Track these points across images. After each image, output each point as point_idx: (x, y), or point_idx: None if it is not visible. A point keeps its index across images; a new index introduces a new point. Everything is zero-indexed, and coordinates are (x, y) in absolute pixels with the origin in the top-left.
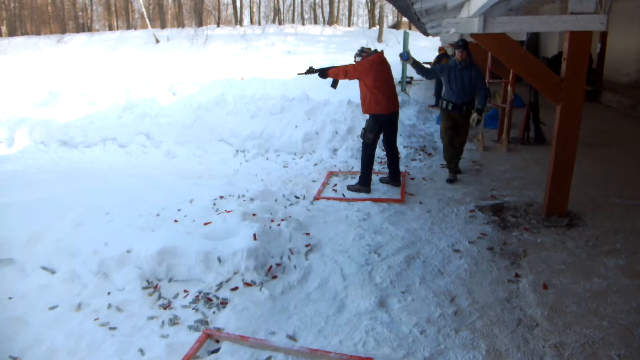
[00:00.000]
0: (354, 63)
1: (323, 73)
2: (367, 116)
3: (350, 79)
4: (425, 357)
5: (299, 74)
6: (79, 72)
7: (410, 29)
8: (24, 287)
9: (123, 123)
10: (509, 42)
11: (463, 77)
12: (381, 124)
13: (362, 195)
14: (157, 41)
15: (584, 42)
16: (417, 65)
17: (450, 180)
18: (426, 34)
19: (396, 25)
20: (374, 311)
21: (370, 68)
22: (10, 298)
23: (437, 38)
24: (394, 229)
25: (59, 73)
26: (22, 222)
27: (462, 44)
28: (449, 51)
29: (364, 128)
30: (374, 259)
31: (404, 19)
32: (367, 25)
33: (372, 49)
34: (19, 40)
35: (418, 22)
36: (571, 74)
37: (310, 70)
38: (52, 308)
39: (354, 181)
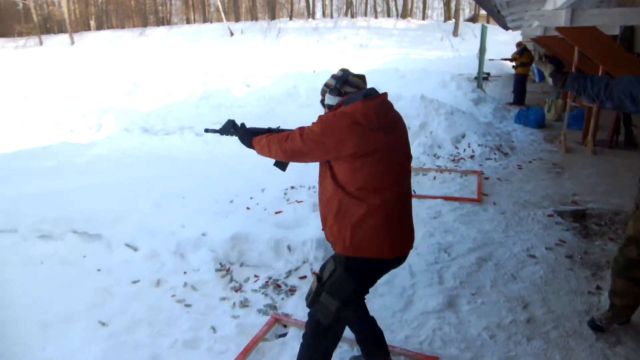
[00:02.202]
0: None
1: (246, 138)
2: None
3: (296, 159)
4: None
5: (206, 130)
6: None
7: (488, 22)
8: (110, 261)
9: (199, 113)
10: (600, 37)
11: None
12: (366, 279)
13: (433, 192)
14: (232, 34)
15: None
16: (558, 75)
17: (596, 327)
18: (506, 27)
19: (473, 19)
20: (442, 311)
21: (341, 138)
22: (99, 270)
23: (518, 32)
24: (466, 229)
25: (141, 64)
26: (109, 201)
27: None
28: (529, 46)
29: (316, 286)
30: (444, 258)
31: (482, 12)
32: (442, 18)
33: (362, 84)
34: (105, 33)
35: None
36: None
37: (225, 130)
38: (134, 282)
39: (426, 178)
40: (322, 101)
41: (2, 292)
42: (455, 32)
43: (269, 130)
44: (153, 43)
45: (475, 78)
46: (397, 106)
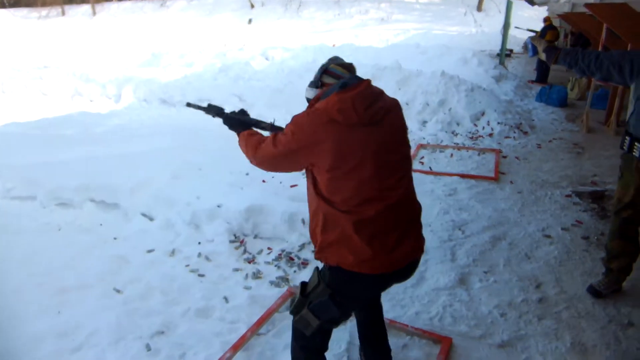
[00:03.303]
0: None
1: (234, 126)
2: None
3: (269, 167)
4: (503, 340)
5: (188, 104)
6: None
7: None
8: (127, 230)
9: (218, 85)
10: (631, 13)
11: None
12: (354, 298)
13: (450, 169)
14: (252, 6)
15: None
16: (552, 51)
17: (595, 292)
18: (532, 3)
19: None
20: (454, 288)
21: (323, 137)
22: (115, 238)
23: (545, 8)
24: (481, 208)
25: (161, 36)
26: (127, 171)
27: None
28: (556, 22)
29: (299, 298)
30: (458, 235)
31: None
32: None
33: (350, 68)
34: (127, 4)
35: None
36: None
37: (209, 110)
38: (149, 251)
39: (442, 155)
40: (306, 94)
41: (20, 257)
42: (479, 7)
43: (257, 124)
44: (173, 14)
45: (498, 55)
46: (417, 82)
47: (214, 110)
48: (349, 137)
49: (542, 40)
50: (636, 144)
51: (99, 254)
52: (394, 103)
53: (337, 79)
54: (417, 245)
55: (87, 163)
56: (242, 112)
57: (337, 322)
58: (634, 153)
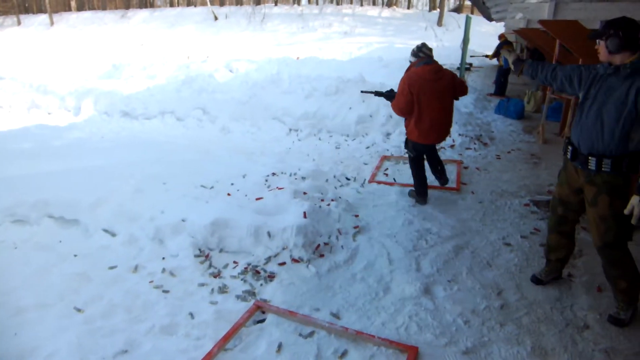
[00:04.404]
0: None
1: (389, 96)
2: None
3: (398, 110)
4: (467, 347)
5: (362, 91)
6: (140, 47)
7: (472, 13)
8: (87, 247)
9: (181, 97)
10: (581, 30)
11: (607, 98)
12: (419, 151)
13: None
14: (216, 18)
15: None
16: (518, 63)
17: (537, 280)
18: (490, 18)
19: (458, 9)
20: (419, 297)
21: (411, 86)
22: (75, 255)
23: (502, 24)
24: (444, 218)
25: (122, 47)
26: (87, 186)
27: (607, 28)
28: (511, 38)
29: (405, 141)
30: (422, 245)
31: (467, 2)
32: (428, 8)
33: (431, 51)
34: (86, 15)
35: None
36: None
37: (379, 93)
38: (111, 267)
39: (406, 167)
40: (410, 59)
41: None
42: (439, 22)
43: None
44: (135, 26)
45: (458, 68)
46: None
47: (379, 93)
48: (426, 85)
49: (512, 53)
50: (569, 146)
51: (58, 271)
52: (448, 73)
53: (425, 56)
54: (439, 138)
55: (45, 178)
56: (392, 91)
57: (419, 154)
58: (567, 155)
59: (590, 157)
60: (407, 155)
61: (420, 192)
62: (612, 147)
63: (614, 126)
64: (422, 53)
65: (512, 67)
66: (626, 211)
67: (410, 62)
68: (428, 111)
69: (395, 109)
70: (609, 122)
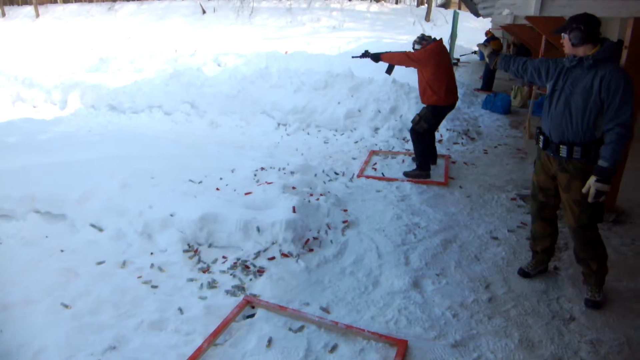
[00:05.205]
0: (411, 50)
1: (376, 57)
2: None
3: (407, 66)
4: (456, 340)
5: (353, 57)
6: (128, 40)
7: (460, 8)
8: (75, 242)
9: (169, 91)
10: None
11: (574, 89)
12: (438, 115)
13: (402, 175)
14: (204, 12)
15: None
16: (493, 56)
17: (524, 273)
18: (477, 14)
19: (445, 5)
20: (408, 291)
21: (430, 58)
22: (62, 251)
23: (489, 19)
24: (433, 212)
25: (109, 40)
26: (74, 181)
27: (570, 22)
28: (498, 33)
29: (418, 115)
30: (411, 239)
31: None
32: (415, 3)
33: (432, 37)
34: (72, 7)
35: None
36: (632, 62)
37: (366, 54)
38: (99, 263)
39: (394, 161)
40: (413, 47)
41: None
42: (427, 17)
43: (387, 52)
44: (122, 18)
45: None
46: (369, 90)
47: (366, 55)
48: (438, 59)
49: (487, 46)
50: (540, 135)
51: (44, 267)
52: (446, 48)
53: (428, 40)
54: (455, 98)
55: (31, 172)
56: (374, 54)
57: (433, 125)
58: (539, 144)
59: (561, 146)
60: (395, 150)
61: (427, 166)
62: (581, 135)
63: (581, 115)
64: (425, 40)
65: (487, 59)
66: (584, 190)
67: (417, 49)
68: (446, 76)
69: (402, 58)
70: (576, 112)
